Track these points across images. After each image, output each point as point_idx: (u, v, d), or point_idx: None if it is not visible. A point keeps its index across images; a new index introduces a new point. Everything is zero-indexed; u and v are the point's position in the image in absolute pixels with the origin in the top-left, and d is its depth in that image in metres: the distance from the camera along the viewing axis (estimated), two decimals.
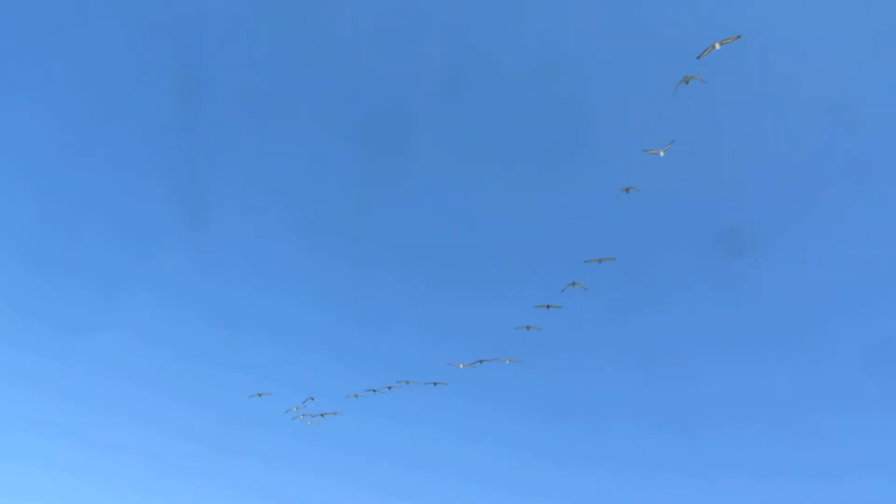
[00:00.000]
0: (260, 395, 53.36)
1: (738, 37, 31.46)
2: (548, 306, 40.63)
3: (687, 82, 33.76)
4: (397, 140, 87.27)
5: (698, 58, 32.64)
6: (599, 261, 40.63)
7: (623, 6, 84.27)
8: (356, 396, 49.88)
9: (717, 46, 31.83)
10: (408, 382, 47.66)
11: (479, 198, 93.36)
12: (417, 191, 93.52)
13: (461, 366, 45.64)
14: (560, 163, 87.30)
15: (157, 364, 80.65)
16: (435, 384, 47.44)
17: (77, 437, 72.25)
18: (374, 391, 49.44)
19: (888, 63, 75.19)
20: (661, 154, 34.35)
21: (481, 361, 45.23)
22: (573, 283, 40.39)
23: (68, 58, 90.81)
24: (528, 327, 41.67)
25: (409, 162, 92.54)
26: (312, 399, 51.12)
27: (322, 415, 52.16)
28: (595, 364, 79.11)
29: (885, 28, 73.20)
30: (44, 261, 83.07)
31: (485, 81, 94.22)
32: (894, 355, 65.82)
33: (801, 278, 78.13)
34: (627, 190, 39.06)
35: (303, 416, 52.81)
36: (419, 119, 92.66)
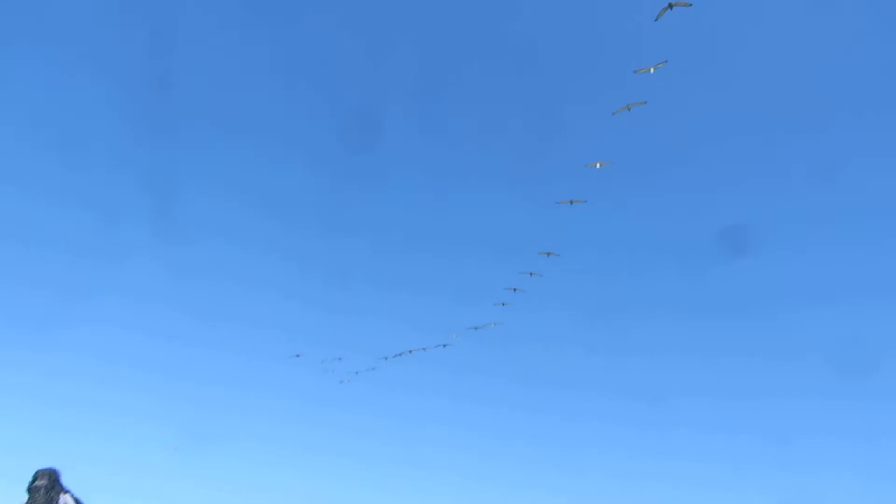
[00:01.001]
0: (297, 356, 58.10)
1: (665, 62, 34.47)
2: (571, 201, 43.46)
3: (629, 108, 35.91)
4: (371, 139, 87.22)
5: (636, 72, 34.99)
6: (548, 254, 43.85)
7: (596, 6, 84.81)
8: (385, 359, 55.64)
9: (652, 70, 34.47)
10: (423, 349, 54.35)
11: (452, 194, 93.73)
12: (391, 188, 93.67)
13: (455, 336, 51.33)
14: (533, 158, 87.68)
15: (127, 363, 79.59)
16: (444, 346, 53.45)
17: (68, 436, 71.12)
18: (407, 352, 55.05)
19: (886, 66, 76.46)
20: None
21: (475, 328, 50.22)
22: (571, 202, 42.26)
23: (40, 61, 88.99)
24: (571, 202, 44.13)
25: (383, 161, 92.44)
26: (340, 359, 57.21)
27: (356, 373, 57.66)
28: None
29: (882, 31, 74.37)
30: (13, 264, 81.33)
31: (457, 80, 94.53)
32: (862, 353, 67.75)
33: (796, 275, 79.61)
34: (571, 202, 40.92)
35: (331, 370, 57.12)
36: (392, 119, 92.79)
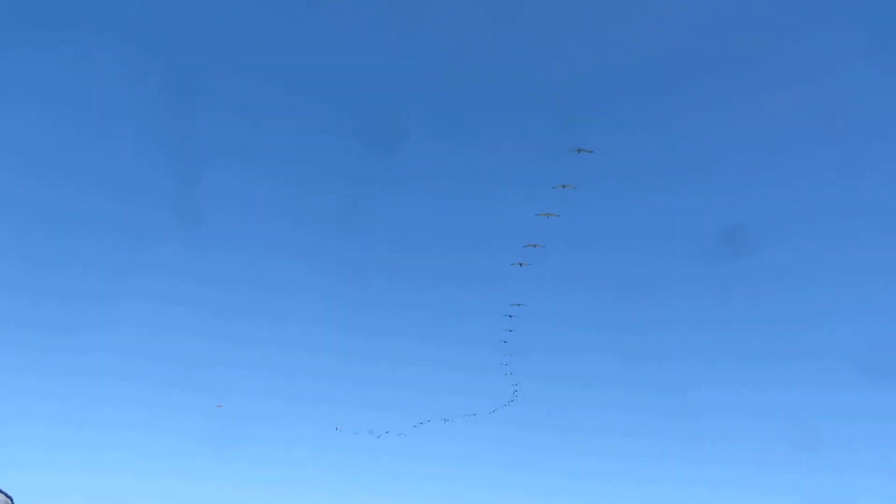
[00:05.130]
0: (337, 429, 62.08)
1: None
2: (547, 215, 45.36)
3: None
4: (393, 136, 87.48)
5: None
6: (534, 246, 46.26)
7: (617, 10, 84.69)
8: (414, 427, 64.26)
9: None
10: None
11: (474, 193, 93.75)
12: (413, 186, 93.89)
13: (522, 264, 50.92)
14: (554, 161, 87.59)
15: (151, 360, 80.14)
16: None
17: (79, 433, 71.73)
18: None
19: (884, 66, 75.89)
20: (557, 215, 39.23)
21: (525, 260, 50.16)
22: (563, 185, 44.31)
23: (62, 57, 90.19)
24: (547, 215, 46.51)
25: (405, 158, 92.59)
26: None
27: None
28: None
29: (880, 32, 73.88)
30: (40, 260, 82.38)
31: (480, 79, 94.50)
32: (887, 355, 66.91)
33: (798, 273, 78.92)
34: (548, 216, 44.00)
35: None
36: (415, 115, 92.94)
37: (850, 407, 70.23)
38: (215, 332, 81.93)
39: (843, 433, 69.06)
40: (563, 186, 44.71)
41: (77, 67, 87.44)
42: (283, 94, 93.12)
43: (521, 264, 50.11)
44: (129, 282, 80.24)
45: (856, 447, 67.62)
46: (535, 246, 47.80)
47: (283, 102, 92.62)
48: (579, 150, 43.32)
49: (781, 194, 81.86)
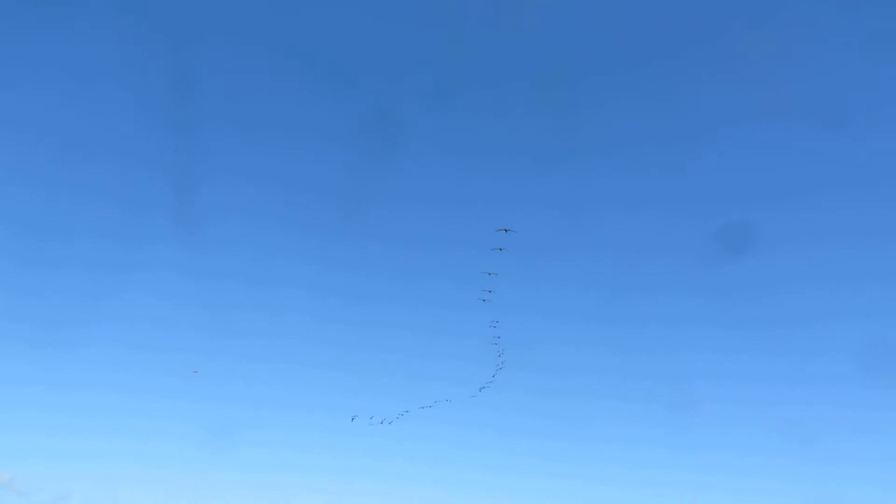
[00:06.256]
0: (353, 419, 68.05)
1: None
2: (506, 230, 46.61)
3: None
4: (390, 140, 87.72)
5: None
6: (505, 230, 47.00)
7: (613, 12, 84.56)
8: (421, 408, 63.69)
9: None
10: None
11: (471, 196, 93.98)
12: (409, 189, 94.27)
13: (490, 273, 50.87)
14: (552, 160, 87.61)
15: (149, 362, 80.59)
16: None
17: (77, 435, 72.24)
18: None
19: (883, 67, 75.78)
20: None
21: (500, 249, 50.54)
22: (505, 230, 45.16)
23: (63, 58, 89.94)
24: (505, 230, 47.82)
25: (402, 162, 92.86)
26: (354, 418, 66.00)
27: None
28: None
29: (878, 32, 73.72)
30: (37, 260, 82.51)
31: (476, 83, 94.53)
32: (885, 353, 67.36)
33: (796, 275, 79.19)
34: (506, 230, 44.16)
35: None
36: (412, 120, 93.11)
37: (846, 401, 71.05)
38: (210, 326, 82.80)
39: (839, 427, 69.92)
40: (499, 252, 45.50)
41: (77, 59, 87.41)
42: (277, 75, 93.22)
43: (492, 277, 50.99)
44: (128, 279, 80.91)
45: (851, 440, 68.48)
46: (507, 230, 48.55)
47: (276, 84, 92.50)
48: (506, 231, 44.34)
49: (781, 197, 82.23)
